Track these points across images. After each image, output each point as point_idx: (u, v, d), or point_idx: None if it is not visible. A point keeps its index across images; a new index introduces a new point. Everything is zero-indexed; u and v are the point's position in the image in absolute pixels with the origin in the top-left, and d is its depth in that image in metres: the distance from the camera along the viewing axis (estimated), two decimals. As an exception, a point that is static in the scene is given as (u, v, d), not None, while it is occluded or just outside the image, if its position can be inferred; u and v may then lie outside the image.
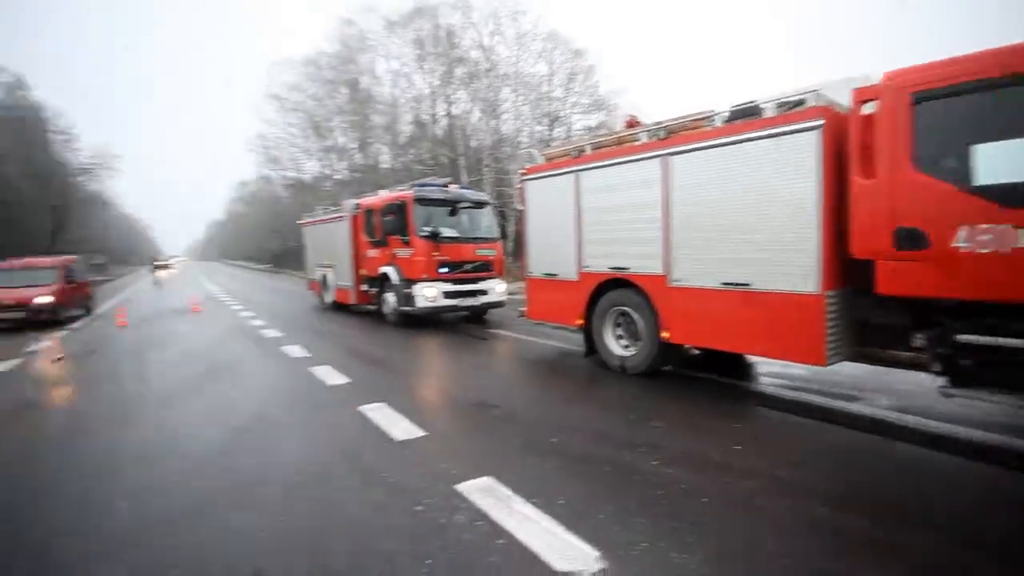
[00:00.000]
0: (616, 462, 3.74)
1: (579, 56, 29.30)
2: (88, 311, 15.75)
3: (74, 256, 16.84)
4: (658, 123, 5.87)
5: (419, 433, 4.39)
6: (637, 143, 5.95)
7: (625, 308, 6.26)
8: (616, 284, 6.32)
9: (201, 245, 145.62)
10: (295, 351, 8.19)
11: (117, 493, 3.53)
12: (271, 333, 10.20)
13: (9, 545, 3.01)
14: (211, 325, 11.97)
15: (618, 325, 6.44)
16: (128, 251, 73.10)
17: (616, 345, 6.43)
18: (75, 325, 12.95)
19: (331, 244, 13.38)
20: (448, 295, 10.21)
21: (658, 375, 6.03)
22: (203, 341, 9.80)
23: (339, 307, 13.51)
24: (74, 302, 14.55)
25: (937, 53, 3.87)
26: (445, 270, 10.21)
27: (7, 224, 28.28)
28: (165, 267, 37.48)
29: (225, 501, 3.36)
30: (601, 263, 6.46)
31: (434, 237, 10.09)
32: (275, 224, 48.12)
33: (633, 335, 6.23)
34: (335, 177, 34.44)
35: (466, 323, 10.85)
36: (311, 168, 36.27)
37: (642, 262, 5.93)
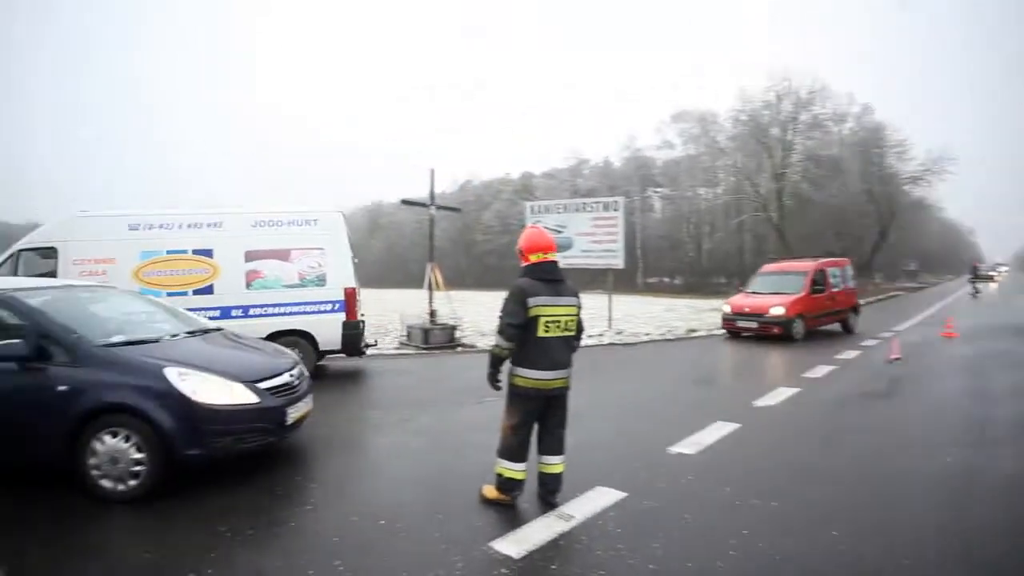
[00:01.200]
0: None
1: None
2: (846, 328, 12.42)
3: (840, 259, 13.57)
4: None
5: None
6: None
7: None
8: None
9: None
10: None
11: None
12: None
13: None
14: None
15: None
16: (947, 257, 69.41)
17: None
18: (899, 328, 13.43)
19: None
20: None
21: None
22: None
23: None
24: (821, 317, 11.70)
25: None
26: None
27: (843, 231, 33.27)
28: (988, 278, 33.33)
29: None
30: None
31: None
32: None
33: None
34: None
35: None
36: None
37: None
